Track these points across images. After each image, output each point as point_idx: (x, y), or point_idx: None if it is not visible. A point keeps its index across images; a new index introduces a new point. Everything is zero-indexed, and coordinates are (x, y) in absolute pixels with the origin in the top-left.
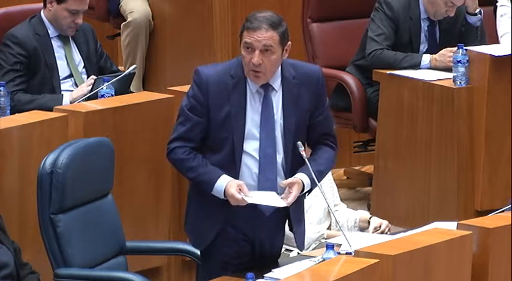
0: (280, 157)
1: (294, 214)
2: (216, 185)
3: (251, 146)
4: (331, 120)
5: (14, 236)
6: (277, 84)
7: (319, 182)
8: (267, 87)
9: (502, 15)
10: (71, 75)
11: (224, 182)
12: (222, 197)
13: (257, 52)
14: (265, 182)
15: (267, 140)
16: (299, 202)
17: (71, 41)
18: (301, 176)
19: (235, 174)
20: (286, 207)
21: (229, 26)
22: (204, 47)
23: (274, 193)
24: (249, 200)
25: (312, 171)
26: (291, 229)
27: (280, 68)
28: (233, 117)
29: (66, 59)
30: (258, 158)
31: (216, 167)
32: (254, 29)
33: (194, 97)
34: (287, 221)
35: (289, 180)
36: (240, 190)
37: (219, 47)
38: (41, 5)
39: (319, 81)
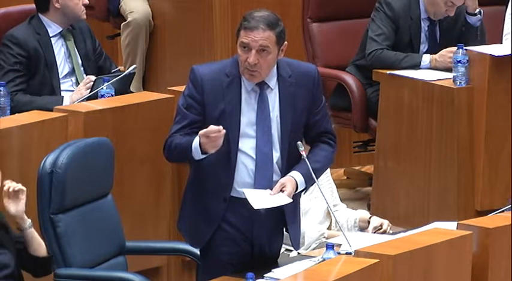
0: (276, 155)
1: (288, 214)
2: (193, 145)
3: (247, 145)
4: (329, 118)
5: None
6: (273, 82)
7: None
8: (262, 86)
9: (510, 14)
10: (72, 73)
11: (197, 139)
12: (200, 154)
13: (253, 52)
14: (262, 180)
15: (263, 139)
16: (294, 202)
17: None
18: (293, 174)
19: (231, 172)
20: (281, 207)
21: (229, 25)
22: (204, 47)
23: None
24: (248, 197)
25: (311, 169)
26: (286, 230)
27: (276, 66)
28: (228, 115)
29: (70, 55)
30: (254, 156)
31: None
32: (251, 29)
33: (190, 95)
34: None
35: (281, 181)
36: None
37: (219, 47)
38: None
39: (315, 80)
